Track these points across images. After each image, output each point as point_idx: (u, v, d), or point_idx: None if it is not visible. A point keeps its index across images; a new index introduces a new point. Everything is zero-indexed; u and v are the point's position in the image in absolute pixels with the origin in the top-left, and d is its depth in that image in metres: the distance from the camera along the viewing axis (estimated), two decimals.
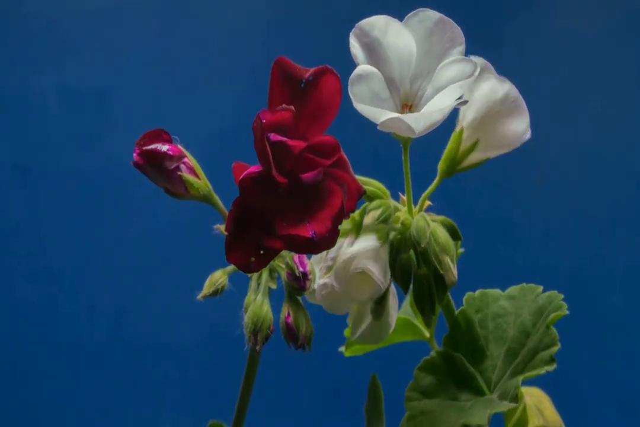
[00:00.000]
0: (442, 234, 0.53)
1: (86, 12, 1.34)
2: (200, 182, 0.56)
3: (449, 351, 0.57)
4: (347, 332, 0.68)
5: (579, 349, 1.19)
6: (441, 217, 0.55)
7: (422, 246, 0.52)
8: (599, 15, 1.35)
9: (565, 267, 1.29)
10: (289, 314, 0.56)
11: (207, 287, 0.56)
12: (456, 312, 0.59)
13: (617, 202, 1.32)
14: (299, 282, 0.56)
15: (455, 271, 0.52)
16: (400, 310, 0.69)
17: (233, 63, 1.32)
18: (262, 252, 0.50)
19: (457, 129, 0.55)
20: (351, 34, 0.52)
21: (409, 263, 0.54)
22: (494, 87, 0.54)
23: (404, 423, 0.55)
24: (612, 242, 1.31)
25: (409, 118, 0.49)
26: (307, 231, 0.49)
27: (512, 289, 0.58)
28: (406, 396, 0.56)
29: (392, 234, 0.54)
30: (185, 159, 0.56)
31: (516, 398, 0.51)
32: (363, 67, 0.51)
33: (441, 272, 0.52)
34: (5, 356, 1.31)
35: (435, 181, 0.56)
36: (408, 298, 0.69)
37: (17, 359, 1.31)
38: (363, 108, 0.51)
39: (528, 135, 0.54)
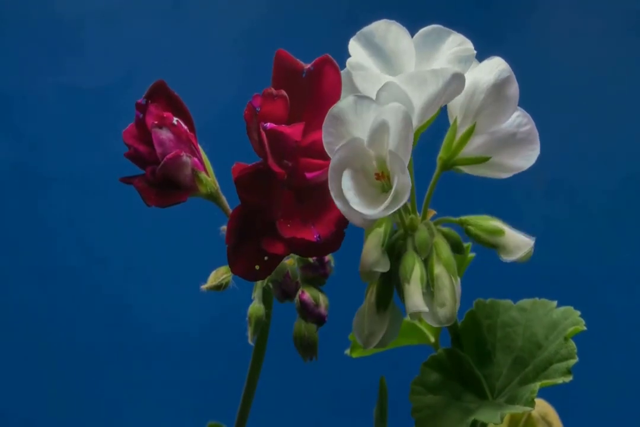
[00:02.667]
0: (445, 250, 0.52)
1: (86, 12, 1.34)
2: (210, 178, 0.54)
3: (456, 350, 0.57)
4: (352, 336, 0.68)
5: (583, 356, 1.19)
6: (446, 229, 0.54)
7: (423, 258, 0.51)
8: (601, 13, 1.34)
9: (565, 269, 1.28)
10: (303, 292, 0.55)
11: (212, 280, 0.55)
12: (459, 322, 0.59)
13: (618, 201, 1.31)
14: (318, 270, 0.55)
15: (454, 305, 0.51)
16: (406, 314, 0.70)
17: (235, 63, 1.31)
18: (266, 258, 0.49)
19: (451, 120, 0.54)
20: (354, 40, 0.52)
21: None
22: (479, 66, 0.53)
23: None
24: (614, 243, 1.30)
25: (402, 78, 0.48)
26: (312, 234, 0.48)
27: (524, 302, 0.58)
28: (411, 389, 0.56)
29: (394, 237, 0.53)
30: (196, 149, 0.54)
31: (532, 402, 0.52)
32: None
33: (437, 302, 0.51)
34: (4, 354, 1.30)
35: (436, 172, 0.54)
36: None
37: (17, 358, 1.30)
38: (362, 75, 0.50)
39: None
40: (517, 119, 0.53)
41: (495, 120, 0.52)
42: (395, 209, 0.47)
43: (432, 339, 0.69)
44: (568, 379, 0.52)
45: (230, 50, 1.33)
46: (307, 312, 0.55)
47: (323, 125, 0.48)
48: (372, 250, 0.51)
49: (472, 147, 0.53)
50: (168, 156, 0.51)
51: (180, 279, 1.17)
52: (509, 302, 0.59)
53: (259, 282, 0.56)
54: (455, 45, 0.51)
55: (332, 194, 0.47)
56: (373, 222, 0.50)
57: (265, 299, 0.57)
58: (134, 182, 0.52)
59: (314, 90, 0.51)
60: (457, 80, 0.49)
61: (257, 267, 0.49)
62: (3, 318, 1.30)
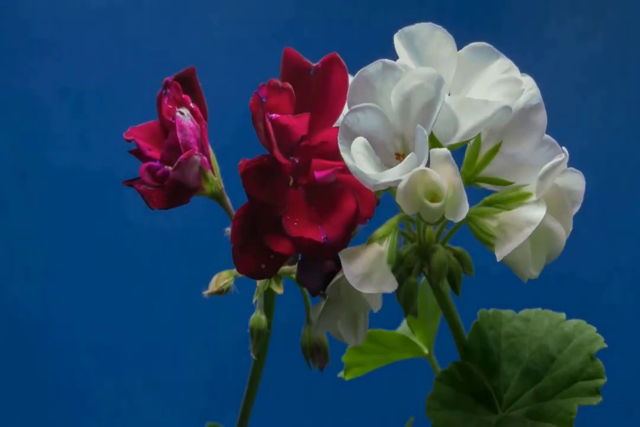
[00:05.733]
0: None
1: (86, 12, 1.33)
2: (216, 178, 0.53)
3: (466, 363, 0.56)
4: (345, 357, 0.68)
5: None
6: (458, 249, 0.53)
7: (440, 282, 0.51)
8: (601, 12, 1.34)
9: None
10: None
11: (213, 286, 0.55)
12: (466, 333, 0.58)
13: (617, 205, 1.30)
14: None
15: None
16: (400, 327, 0.71)
17: (236, 63, 1.31)
18: (271, 257, 0.48)
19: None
20: (396, 37, 0.51)
21: (416, 288, 0.52)
22: None
23: None
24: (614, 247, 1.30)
25: (455, 101, 0.48)
26: (320, 235, 0.48)
27: (527, 312, 0.58)
28: (427, 405, 0.55)
29: (404, 249, 0.52)
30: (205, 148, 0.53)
31: (570, 423, 0.52)
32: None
33: None
34: (5, 357, 1.29)
35: None
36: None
37: (19, 358, 1.29)
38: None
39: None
40: (548, 152, 0.52)
41: (519, 143, 0.51)
42: (408, 173, 0.46)
43: (426, 351, 0.69)
44: (599, 400, 0.52)
45: (231, 48, 1.32)
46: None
47: (350, 84, 0.48)
48: (377, 271, 0.49)
49: (495, 168, 0.51)
50: (182, 157, 0.50)
51: (180, 280, 1.20)
52: (510, 312, 0.58)
53: (261, 287, 0.56)
54: (501, 70, 0.51)
55: (340, 148, 0.47)
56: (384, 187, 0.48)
57: (267, 304, 0.56)
58: (135, 185, 0.51)
59: (322, 88, 0.51)
60: (505, 112, 0.48)
61: (262, 266, 0.48)
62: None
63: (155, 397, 1.28)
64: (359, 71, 0.49)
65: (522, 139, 0.51)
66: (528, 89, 0.51)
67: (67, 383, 1.28)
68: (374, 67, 0.48)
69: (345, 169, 0.49)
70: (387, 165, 0.48)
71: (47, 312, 1.29)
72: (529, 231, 0.47)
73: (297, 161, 0.49)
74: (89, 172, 1.30)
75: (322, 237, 0.47)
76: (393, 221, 0.51)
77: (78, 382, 1.28)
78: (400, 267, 0.51)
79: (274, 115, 0.48)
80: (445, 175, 0.46)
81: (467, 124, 0.48)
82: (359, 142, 0.47)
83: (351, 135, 0.47)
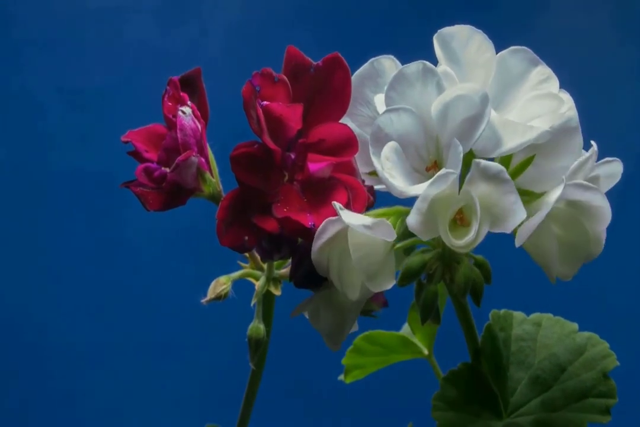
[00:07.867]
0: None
1: (86, 12, 1.33)
2: (214, 179, 0.53)
3: (476, 365, 0.56)
4: (344, 360, 0.68)
5: None
6: (479, 257, 0.51)
7: (462, 299, 0.51)
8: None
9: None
10: None
11: (211, 293, 0.54)
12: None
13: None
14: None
15: None
16: (402, 330, 0.70)
17: (234, 64, 1.29)
18: (255, 230, 0.49)
19: None
20: (434, 38, 0.50)
21: (436, 297, 0.51)
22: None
23: None
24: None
25: (499, 122, 0.47)
26: (307, 220, 0.48)
27: (537, 316, 0.57)
28: (433, 405, 0.54)
29: (428, 254, 0.50)
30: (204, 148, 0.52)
31: None
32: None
33: None
34: (6, 356, 1.29)
35: None
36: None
37: (19, 359, 1.29)
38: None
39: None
40: None
41: (553, 159, 0.50)
42: (438, 187, 0.44)
43: (426, 352, 0.68)
44: (608, 419, 0.52)
45: (231, 50, 1.32)
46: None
47: (390, 80, 0.48)
48: (384, 266, 0.48)
49: (526, 177, 0.50)
50: (180, 158, 0.50)
51: (180, 280, 1.20)
52: (522, 314, 0.57)
53: (259, 290, 0.55)
54: (540, 77, 0.50)
55: (371, 151, 0.46)
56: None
57: (266, 307, 0.55)
58: (131, 186, 0.51)
59: (323, 86, 0.51)
60: (546, 135, 0.48)
61: (245, 238, 0.49)
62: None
63: (155, 398, 1.28)
64: (399, 68, 0.48)
65: (556, 157, 0.50)
66: (566, 109, 0.49)
67: (67, 384, 1.28)
68: (415, 67, 0.47)
69: (340, 166, 0.49)
70: (417, 171, 0.47)
71: (46, 314, 1.28)
72: (545, 211, 0.45)
73: (292, 157, 0.49)
74: (89, 172, 1.29)
75: (310, 224, 0.48)
76: (399, 208, 0.50)
77: (78, 384, 1.28)
78: (423, 270, 0.50)
79: (265, 102, 0.48)
80: (488, 194, 0.45)
81: (508, 144, 0.47)
82: (390, 148, 0.46)
83: (383, 137, 0.46)
